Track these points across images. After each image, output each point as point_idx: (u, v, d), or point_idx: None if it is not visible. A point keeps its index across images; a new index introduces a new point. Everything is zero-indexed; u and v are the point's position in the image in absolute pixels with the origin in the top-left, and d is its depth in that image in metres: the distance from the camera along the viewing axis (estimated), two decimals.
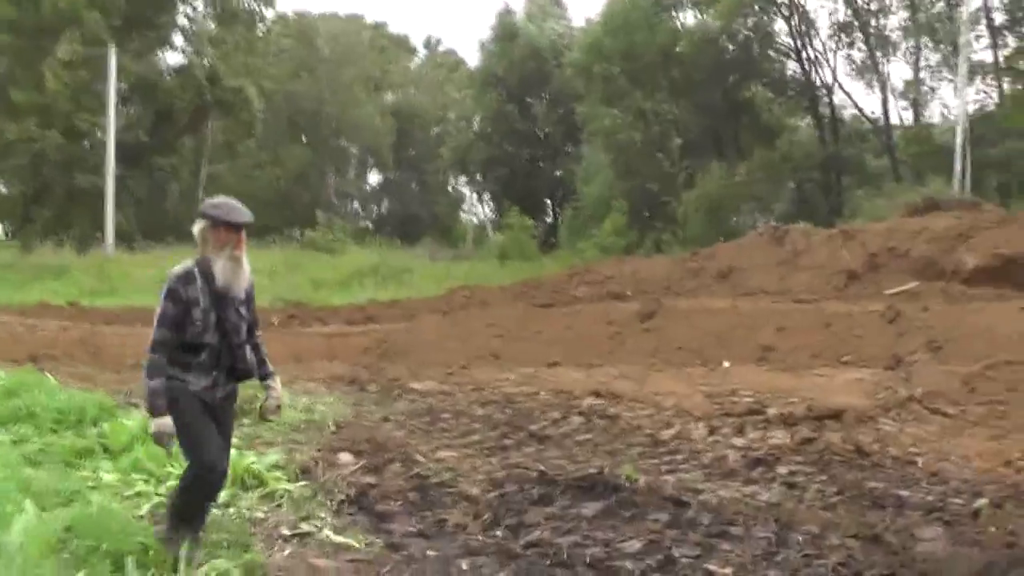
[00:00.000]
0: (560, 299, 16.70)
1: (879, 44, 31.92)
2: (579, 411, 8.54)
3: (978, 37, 28.71)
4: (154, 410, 4.04)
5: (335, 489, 5.55)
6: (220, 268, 4.13)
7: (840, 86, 33.23)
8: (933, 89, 32.87)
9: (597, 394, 9.15)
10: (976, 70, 28.90)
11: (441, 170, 50.54)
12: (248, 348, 4.30)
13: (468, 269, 28.96)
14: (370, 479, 5.90)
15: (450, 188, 54.48)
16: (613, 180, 33.23)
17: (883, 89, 32.17)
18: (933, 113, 33.68)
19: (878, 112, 32.88)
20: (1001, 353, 9.71)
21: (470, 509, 5.32)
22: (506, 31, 42.28)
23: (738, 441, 7.24)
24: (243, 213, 4.19)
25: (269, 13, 41.03)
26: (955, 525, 5.10)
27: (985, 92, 30.25)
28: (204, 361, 4.15)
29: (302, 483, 5.64)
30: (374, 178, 56.48)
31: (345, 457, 6.39)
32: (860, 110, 33.56)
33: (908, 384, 9.04)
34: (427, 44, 60.09)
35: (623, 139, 31.15)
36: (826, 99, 33.03)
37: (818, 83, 32.81)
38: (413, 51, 59.36)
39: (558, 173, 44.25)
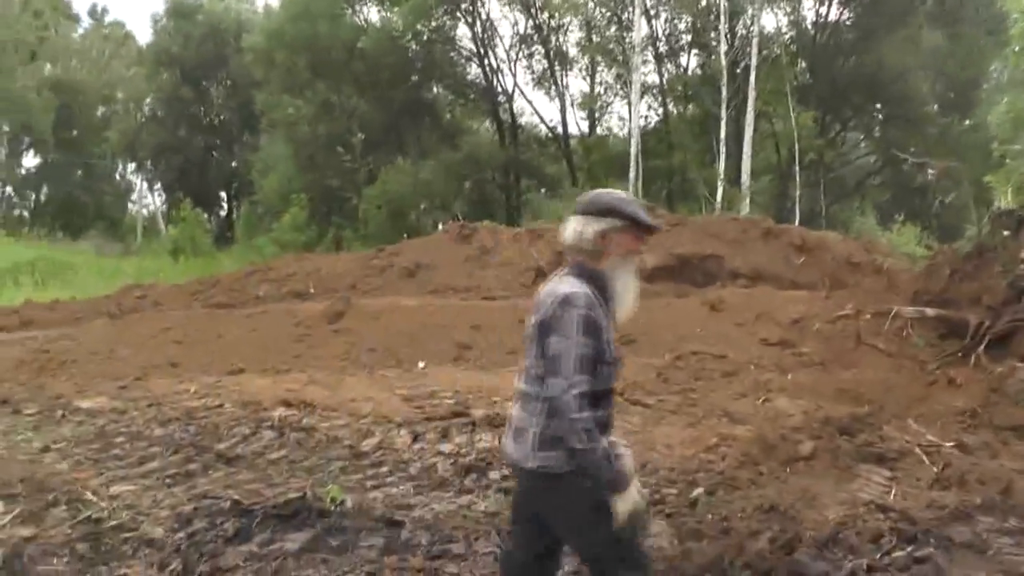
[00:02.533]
0: (240, 299, 15.66)
1: (558, 58, 33.64)
2: (270, 424, 7.76)
3: (645, 62, 31.29)
4: (620, 482, 2.93)
5: None
6: (625, 286, 3.17)
7: (521, 93, 34.75)
8: (608, 103, 35.21)
9: (288, 403, 8.41)
10: (645, 90, 31.53)
11: (108, 155, 45.96)
12: None
13: (138, 265, 26.54)
14: (27, 531, 4.87)
15: (118, 175, 49.88)
16: (293, 173, 32.15)
17: (561, 100, 34.04)
18: (608, 125, 36.22)
19: (557, 121, 34.81)
20: (687, 345, 10.46)
21: (154, 557, 4.55)
22: (183, 6, 39.43)
23: (445, 447, 6.94)
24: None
25: None
26: (676, 517, 5.25)
27: (652, 109, 33.24)
28: (604, 417, 3.07)
29: None
30: (31, 160, 49.85)
31: None
32: (541, 117, 35.40)
33: None
34: (91, 13, 54.47)
35: (305, 131, 30.24)
36: (507, 105, 34.28)
37: (499, 89, 33.95)
38: (75, 19, 53.27)
39: (235, 164, 42.11)
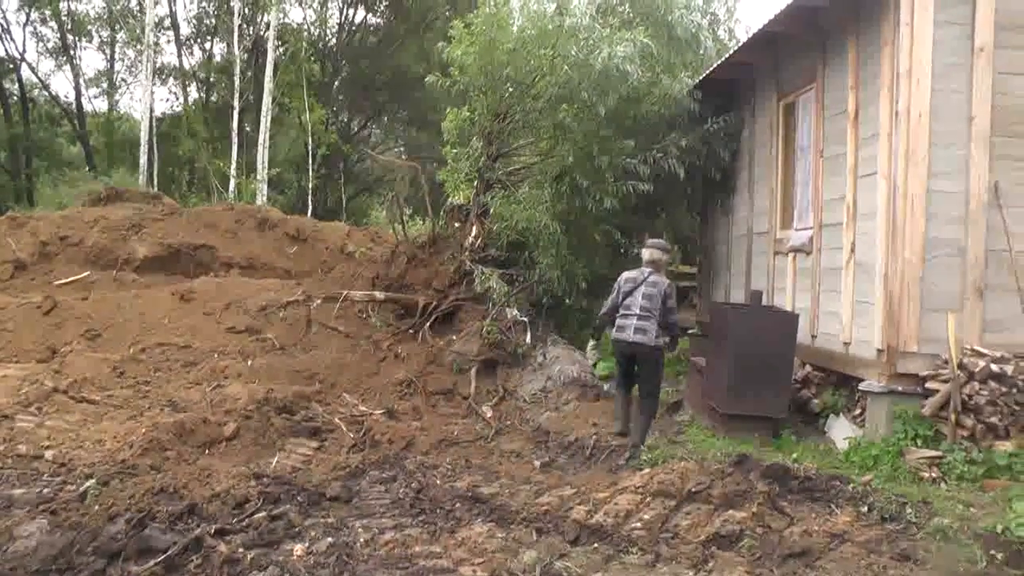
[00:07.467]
0: None
1: (74, 27, 30.92)
2: None
3: (168, 41, 30.21)
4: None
5: None
6: None
7: (28, 64, 31.31)
8: (126, 82, 33.09)
9: None
10: (168, 73, 30.41)
11: None
12: None
13: None
14: None
15: None
16: None
17: (76, 74, 31.42)
18: (127, 106, 34.01)
19: (72, 97, 32.03)
20: (153, 337, 10.39)
21: None
22: None
23: None
24: None
25: None
26: (61, 513, 5.21)
27: (174, 93, 31.89)
28: None
29: None
30: None
31: None
32: (50, 92, 32.17)
33: (58, 376, 8.99)
34: None
35: None
36: (14, 75, 30.79)
37: (4, 55, 30.35)
38: None
39: None
